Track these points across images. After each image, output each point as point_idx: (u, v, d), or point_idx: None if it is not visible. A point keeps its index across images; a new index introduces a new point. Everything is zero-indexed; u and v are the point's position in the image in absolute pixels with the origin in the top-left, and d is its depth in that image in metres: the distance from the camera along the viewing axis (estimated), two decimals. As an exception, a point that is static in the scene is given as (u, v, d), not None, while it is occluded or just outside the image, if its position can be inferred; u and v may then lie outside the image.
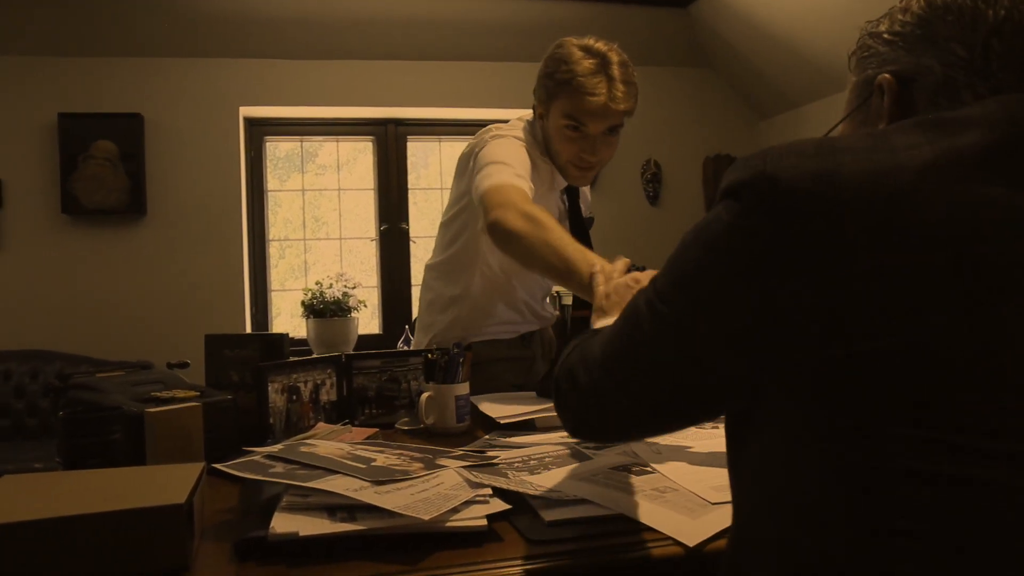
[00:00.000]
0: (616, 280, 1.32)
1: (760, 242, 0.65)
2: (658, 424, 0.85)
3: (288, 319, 4.49)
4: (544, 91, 1.81)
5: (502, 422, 1.52)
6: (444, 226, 2.03)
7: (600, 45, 1.77)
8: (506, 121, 1.95)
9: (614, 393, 0.80)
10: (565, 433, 1.43)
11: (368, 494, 0.91)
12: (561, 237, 1.51)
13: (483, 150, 1.79)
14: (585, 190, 2.07)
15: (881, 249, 0.61)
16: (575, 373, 0.85)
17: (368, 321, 4.44)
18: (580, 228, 1.93)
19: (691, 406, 0.77)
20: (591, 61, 1.73)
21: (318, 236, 4.60)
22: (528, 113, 1.93)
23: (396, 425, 1.62)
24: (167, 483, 0.90)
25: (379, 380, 1.68)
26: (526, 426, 1.52)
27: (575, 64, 1.73)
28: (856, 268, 0.61)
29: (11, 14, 3.83)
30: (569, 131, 1.77)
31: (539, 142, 1.87)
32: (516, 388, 1.93)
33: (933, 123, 0.67)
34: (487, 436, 1.46)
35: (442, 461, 1.10)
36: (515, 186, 1.64)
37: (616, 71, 1.74)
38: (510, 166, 1.70)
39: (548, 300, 2.11)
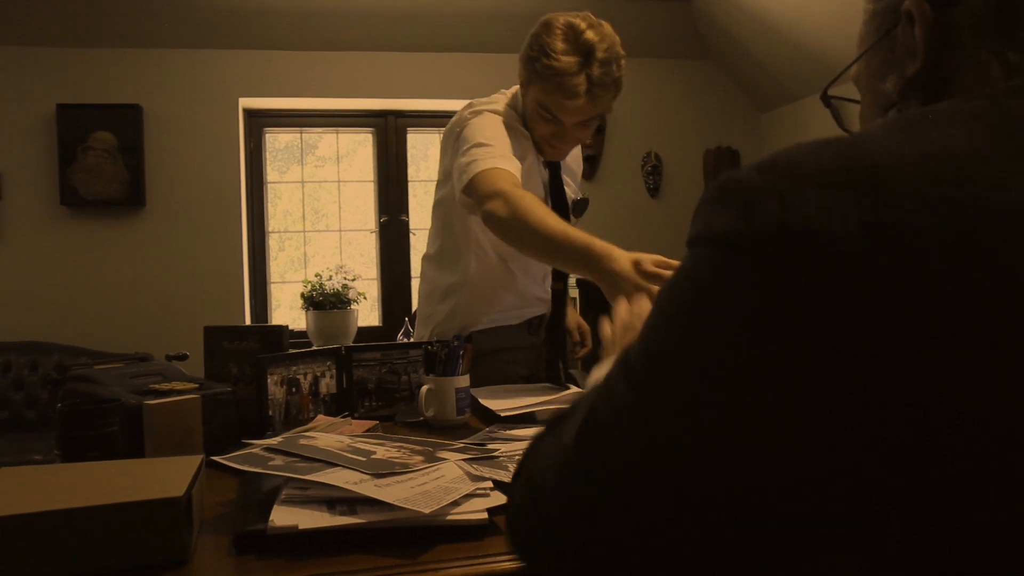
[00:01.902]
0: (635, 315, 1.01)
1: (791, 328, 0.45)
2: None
3: (287, 311, 4.49)
4: (524, 71, 1.75)
5: (502, 415, 1.51)
6: (435, 208, 2.03)
7: (589, 35, 1.67)
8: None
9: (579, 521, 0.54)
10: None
11: (368, 487, 0.90)
12: (559, 221, 1.48)
13: (465, 129, 1.74)
14: (574, 166, 2.05)
15: (984, 322, 0.42)
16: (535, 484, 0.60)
17: (368, 313, 4.44)
18: (561, 202, 1.90)
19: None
20: (572, 59, 1.65)
21: (318, 228, 4.59)
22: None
23: (396, 418, 1.62)
24: (166, 476, 0.90)
25: (379, 372, 1.67)
26: (527, 419, 1.52)
27: (555, 60, 1.64)
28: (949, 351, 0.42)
29: (10, 4, 3.82)
30: (543, 117, 1.74)
31: (521, 114, 1.83)
32: (524, 380, 1.92)
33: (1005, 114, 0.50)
34: (488, 429, 1.45)
35: (442, 454, 1.10)
36: (503, 170, 1.61)
37: (596, 71, 1.66)
38: (494, 146, 1.65)
39: (547, 280, 2.08)
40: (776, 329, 0.45)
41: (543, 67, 1.66)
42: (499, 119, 1.77)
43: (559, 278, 1.98)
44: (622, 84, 1.76)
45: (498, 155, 1.64)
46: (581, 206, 2.02)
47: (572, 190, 2.01)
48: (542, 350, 2.05)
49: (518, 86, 1.84)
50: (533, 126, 1.79)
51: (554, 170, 1.93)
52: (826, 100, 0.83)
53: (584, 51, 1.65)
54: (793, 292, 0.45)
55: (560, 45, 1.65)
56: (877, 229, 0.44)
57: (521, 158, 1.73)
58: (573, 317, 2.23)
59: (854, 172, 0.47)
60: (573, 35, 1.66)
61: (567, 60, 1.64)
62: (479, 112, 1.78)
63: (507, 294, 1.99)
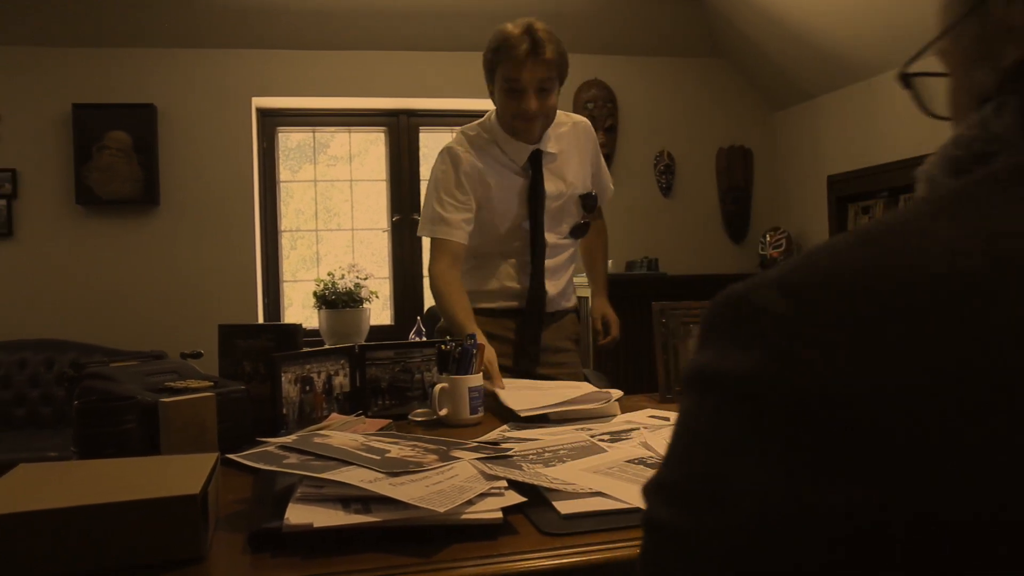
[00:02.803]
0: None
1: None
2: None
3: (300, 310, 4.50)
4: (486, 69, 2.09)
5: (522, 415, 1.51)
6: None
7: (528, 19, 2.03)
8: None
9: None
10: (579, 425, 1.43)
11: (383, 486, 0.91)
12: (457, 310, 1.99)
13: (432, 172, 2.17)
14: (580, 164, 2.22)
15: None
16: None
17: (379, 312, 4.44)
18: (537, 201, 2.13)
19: None
20: (517, 29, 2.00)
21: (330, 227, 4.60)
22: (491, 103, 2.16)
23: (409, 416, 1.62)
24: (181, 473, 0.90)
25: (392, 371, 1.67)
26: (540, 418, 1.52)
27: (504, 34, 2.01)
28: None
29: (27, 5, 3.84)
30: (508, 92, 2.02)
31: (499, 128, 2.13)
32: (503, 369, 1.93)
33: None
34: (501, 428, 1.45)
35: (456, 453, 1.10)
36: (442, 241, 2.08)
37: (539, 31, 1.99)
38: (440, 210, 2.08)
39: (518, 272, 2.21)
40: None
41: (496, 42, 2.03)
42: (451, 168, 2.11)
43: (535, 278, 2.15)
44: (567, 64, 2.07)
45: (439, 221, 2.08)
46: (591, 201, 2.22)
47: (575, 187, 2.20)
48: (517, 346, 2.17)
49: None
50: (503, 111, 2.08)
51: (536, 167, 2.13)
52: (906, 80, 0.66)
53: (525, 25, 2.02)
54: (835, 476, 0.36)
55: (508, 27, 2.04)
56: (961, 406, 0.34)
57: (495, 170, 2.12)
58: (600, 306, 2.46)
59: (914, 299, 0.37)
60: (514, 22, 2.05)
61: (512, 29, 2.02)
62: (444, 155, 2.14)
63: (492, 281, 2.22)
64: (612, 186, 2.42)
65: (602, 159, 2.32)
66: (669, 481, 0.45)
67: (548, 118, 2.09)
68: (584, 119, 2.28)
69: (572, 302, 2.35)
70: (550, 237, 2.18)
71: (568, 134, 2.20)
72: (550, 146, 2.15)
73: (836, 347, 0.37)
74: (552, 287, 2.21)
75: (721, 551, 0.39)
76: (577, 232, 2.25)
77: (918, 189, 0.56)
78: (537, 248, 2.16)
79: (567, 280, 2.30)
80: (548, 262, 2.19)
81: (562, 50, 2.04)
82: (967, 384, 0.34)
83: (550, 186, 2.15)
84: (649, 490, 0.46)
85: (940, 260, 0.38)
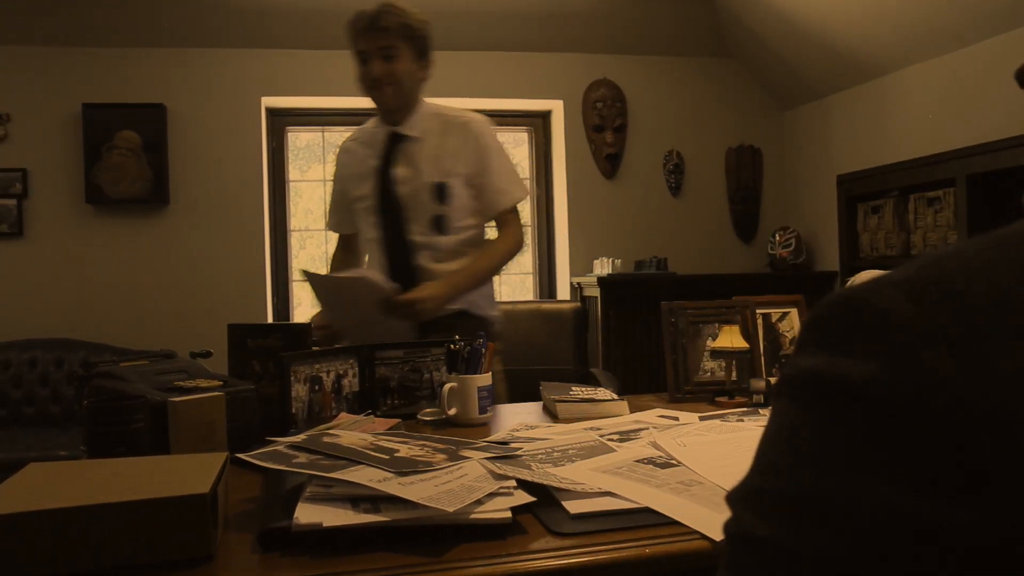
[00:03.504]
0: None
1: None
2: None
3: (308, 309, 4.50)
4: (350, 47, 2.17)
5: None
6: None
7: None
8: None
9: None
10: (588, 425, 1.43)
11: (392, 485, 0.91)
12: None
13: None
14: (452, 158, 2.13)
15: None
16: None
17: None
18: (384, 184, 2.13)
19: None
20: (370, 7, 2.10)
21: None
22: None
23: (418, 416, 1.62)
24: (191, 472, 0.90)
25: (401, 371, 1.67)
26: (550, 417, 1.52)
27: (357, 12, 2.13)
28: None
29: (37, 5, 3.86)
30: (358, 63, 2.14)
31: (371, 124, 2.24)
32: None
33: None
34: (510, 428, 1.45)
35: (465, 452, 1.10)
36: (340, 241, 2.41)
37: (385, 3, 2.10)
38: (328, 210, 2.42)
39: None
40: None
41: (348, 23, 2.15)
42: (341, 151, 2.34)
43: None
44: (421, 35, 2.15)
45: (328, 214, 2.40)
46: (440, 192, 2.12)
47: (429, 175, 2.12)
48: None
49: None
50: (360, 83, 2.16)
51: (392, 146, 2.15)
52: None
53: (376, 4, 2.12)
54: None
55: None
56: None
57: (359, 156, 2.23)
58: (427, 286, 2.02)
59: None
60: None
61: (365, 9, 2.12)
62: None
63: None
64: (519, 194, 2.22)
65: (500, 162, 2.18)
66: (768, 492, 0.41)
67: (400, 86, 2.10)
68: (481, 118, 2.21)
69: (485, 311, 2.17)
70: (418, 233, 2.10)
71: (444, 125, 2.15)
72: (411, 130, 2.13)
73: (970, 355, 0.34)
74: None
75: (835, 573, 0.37)
76: (436, 226, 2.11)
77: None
78: (389, 238, 2.11)
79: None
80: (428, 264, 2.10)
81: (408, 21, 2.10)
82: None
83: (401, 170, 2.11)
84: (739, 499, 0.43)
85: None
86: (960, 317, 0.36)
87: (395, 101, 2.13)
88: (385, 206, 2.13)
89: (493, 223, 2.22)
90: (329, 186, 2.12)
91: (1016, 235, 0.39)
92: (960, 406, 0.34)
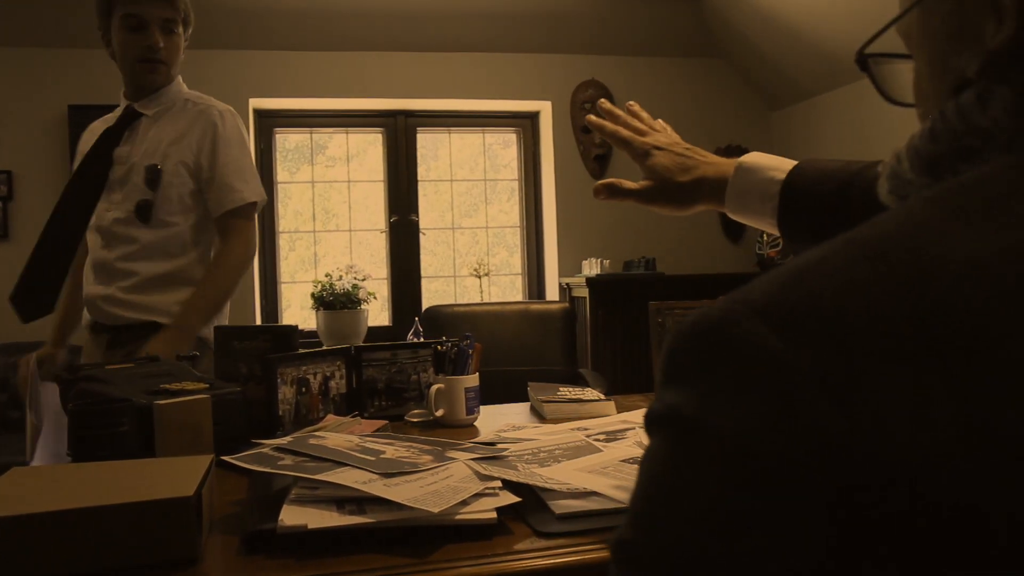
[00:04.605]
0: None
1: None
2: None
3: (298, 311, 4.50)
4: (100, 13, 1.95)
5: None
6: None
7: None
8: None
9: None
10: (575, 425, 1.43)
11: (377, 487, 0.91)
12: None
13: None
14: (193, 142, 1.99)
15: None
16: None
17: (378, 313, 4.44)
18: (88, 162, 1.98)
19: None
20: None
21: (328, 228, 4.60)
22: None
23: (406, 417, 1.62)
24: (176, 475, 0.90)
25: (388, 372, 1.67)
26: (536, 417, 1.52)
27: None
28: None
29: (22, 6, 3.84)
30: (130, 30, 1.90)
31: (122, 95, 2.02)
32: None
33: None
34: (497, 428, 1.45)
35: (451, 453, 1.10)
36: None
37: None
38: None
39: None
40: None
41: None
42: (83, 137, 2.10)
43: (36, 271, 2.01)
44: (191, 17, 2.01)
45: None
46: (151, 175, 1.95)
47: (144, 156, 1.97)
48: None
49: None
50: (125, 52, 1.93)
51: (103, 138, 1.99)
52: (862, 63, 0.59)
53: None
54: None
55: None
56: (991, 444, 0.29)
57: (90, 141, 2.03)
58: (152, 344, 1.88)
59: (943, 329, 0.31)
60: None
61: None
62: None
63: None
64: (252, 195, 2.01)
65: (231, 157, 2.00)
66: (639, 545, 0.37)
67: (170, 65, 1.97)
68: (228, 108, 2.07)
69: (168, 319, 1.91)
70: (115, 219, 1.93)
71: (185, 110, 2.02)
72: (147, 108, 2.00)
73: (851, 397, 0.31)
74: (110, 289, 1.92)
75: None
76: (140, 213, 1.92)
77: (882, 188, 0.50)
78: (56, 222, 1.92)
79: (160, 290, 1.94)
80: (108, 254, 1.92)
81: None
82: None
83: (122, 149, 1.97)
84: (614, 551, 0.40)
85: (966, 280, 0.32)
86: (834, 352, 0.31)
87: (164, 80, 1.99)
88: (75, 180, 1.94)
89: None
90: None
91: (886, 240, 0.35)
92: (845, 457, 0.30)
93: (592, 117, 1.14)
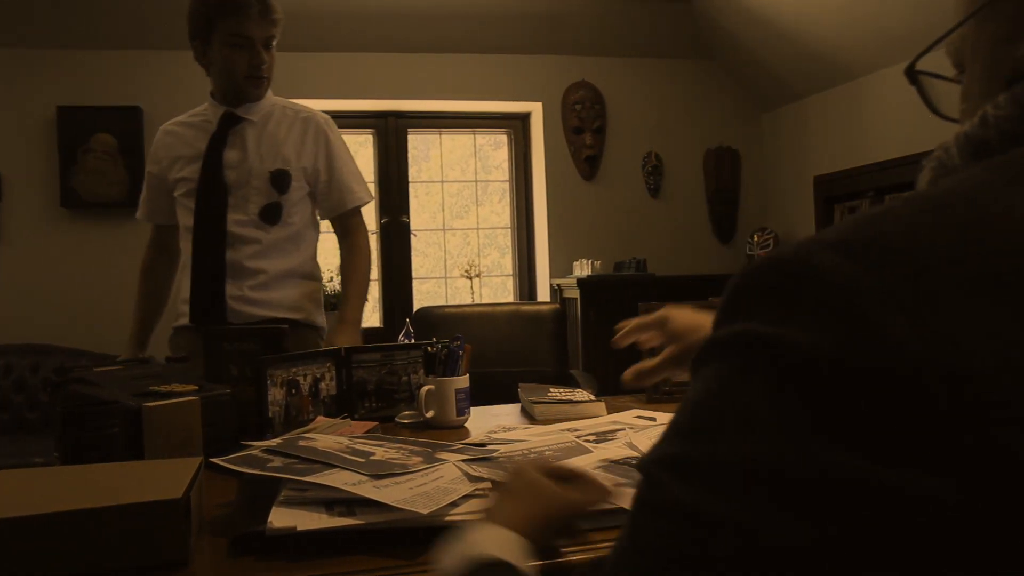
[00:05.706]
0: None
1: None
2: None
3: (289, 312, 4.48)
4: (200, 23, 1.98)
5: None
6: None
7: None
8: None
9: None
10: (565, 426, 1.43)
11: (366, 488, 0.90)
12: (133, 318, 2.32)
13: None
14: (292, 147, 2.08)
15: None
16: None
17: (369, 315, 4.43)
18: (209, 166, 2.01)
19: None
20: None
21: (319, 229, 4.58)
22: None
23: (396, 419, 1.62)
24: (165, 477, 0.90)
25: (379, 373, 1.67)
26: (527, 418, 1.52)
27: None
28: None
29: (10, 6, 3.82)
30: (235, 47, 1.95)
31: (212, 100, 2.08)
32: None
33: None
34: (487, 430, 1.45)
35: (441, 455, 1.10)
36: (151, 235, 2.30)
37: None
38: (141, 199, 2.25)
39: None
40: None
41: (219, 4, 1.94)
42: (162, 140, 2.15)
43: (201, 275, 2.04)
44: (282, 22, 2.03)
45: (140, 203, 2.23)
46: (280, 180, 2.05)
47: (262, 159, 2.05)
48: None
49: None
50: (232, 68, 1.98)
51: (223, 129, 2.03)
52: (912, 76, 0.62)
53: None
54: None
55: None
56: None
57: (186, 143, 2.08)
58: (331, 338, 2.20)
59: (1008, 268, 0.33)
60: None
61: None
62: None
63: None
64: (366, 196, 2.21)
65: (347, 160, 2.16)
66: (697, 458, 0.38)
67: (270, 80, 2.07)
68: (324, 115, 2.17)
69: (305, 315, 2.14)
70: (235, 220, 2.00)
71: (288, 116, 2.10)
72: (250, 114, 2.05)
73: (923, 315, 0.33)
74: (241, 289, 2.00)
75: (778, 547, 0.34)
76: (267, 215, 2.02)
77: (923, 177, 0.53)
78: (202, 228, 1.99)
79: (283, 287, 2.09)
80: (234, 254, 1.99)
81: (280, 16, 2.02)
82: None
83: (232, 154, 2.01)
84: (658, 466, 0.40)
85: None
86: (907, 276, 0.34)
87: (265, 92, 2.08)
88: (207, 189, 1.99)
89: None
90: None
91: (949, 195, 0.37)
92: (918, 369, 0.32)
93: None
